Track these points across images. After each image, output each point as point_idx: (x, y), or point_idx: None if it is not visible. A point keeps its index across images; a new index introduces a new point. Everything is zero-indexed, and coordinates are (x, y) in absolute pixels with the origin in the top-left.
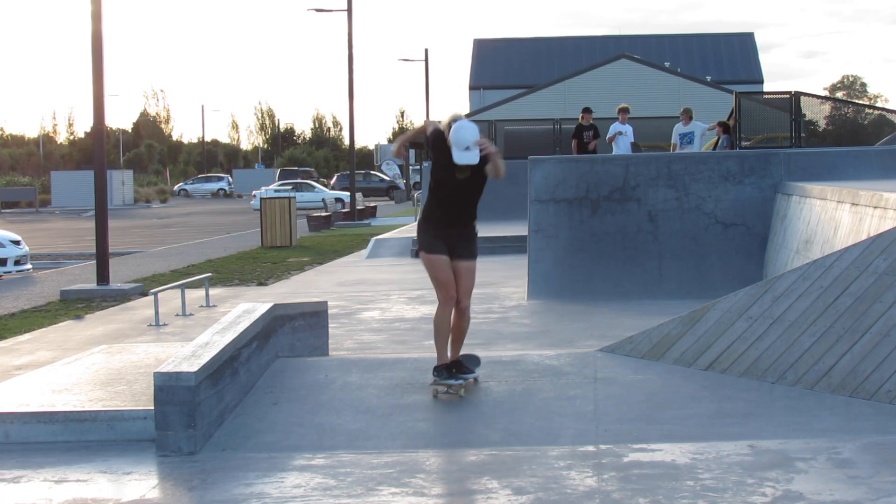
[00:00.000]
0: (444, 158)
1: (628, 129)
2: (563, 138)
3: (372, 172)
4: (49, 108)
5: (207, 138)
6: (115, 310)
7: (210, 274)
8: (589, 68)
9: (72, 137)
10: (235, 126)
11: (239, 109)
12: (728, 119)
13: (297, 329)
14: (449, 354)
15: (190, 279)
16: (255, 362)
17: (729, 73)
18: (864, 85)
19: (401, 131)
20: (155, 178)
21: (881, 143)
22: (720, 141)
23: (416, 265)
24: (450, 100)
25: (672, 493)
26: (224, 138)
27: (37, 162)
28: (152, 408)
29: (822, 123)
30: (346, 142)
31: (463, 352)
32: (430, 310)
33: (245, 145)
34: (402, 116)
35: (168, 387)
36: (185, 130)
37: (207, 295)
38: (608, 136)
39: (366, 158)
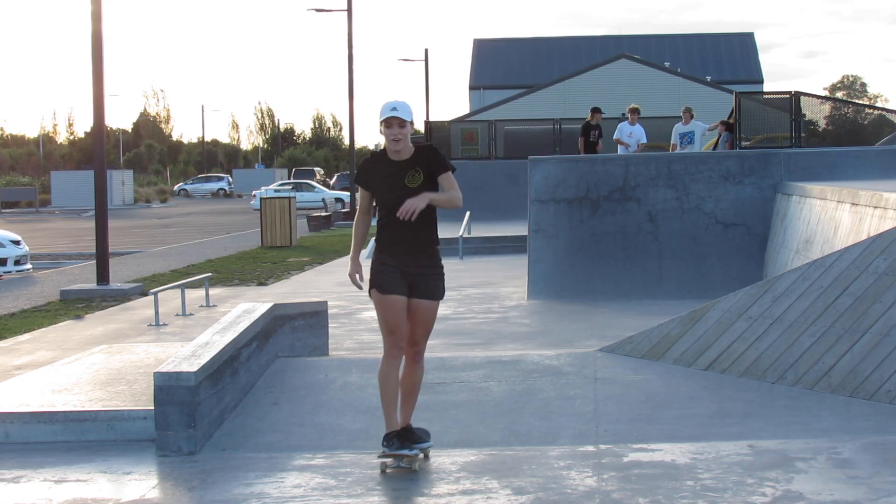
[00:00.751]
0: (380, 167)
1: (638, 129)
2: (564, 138)
3: None
4: (49, 107)
5: (207, 138)
6: (114, 310)
7: (210, 274)
8: (589, 68)
9: (72, 137)
10: (235, 126)
11: (239, 109)
12: (729, 118)
13: (297, 329)
14: (399, 418)
15: (190, 279)
16: (255, 362)
17: (729, 73)
18: (864, 85)
19: None
20: (155, 178)
21: (881, 143)
22: (721, 138)
23: None
24: (450, 100)
25: (672, 493)
26: (224, 138)
27: (37, 162)
28: (152, 408)
29: (822, 123)
30: (346, 142)
31: (462, 353)
32: None
33: (245, 145)
34: None
35: (168, 387)
36: (185, 130)
37: (207, 295)
38: (614, 138)
39: None
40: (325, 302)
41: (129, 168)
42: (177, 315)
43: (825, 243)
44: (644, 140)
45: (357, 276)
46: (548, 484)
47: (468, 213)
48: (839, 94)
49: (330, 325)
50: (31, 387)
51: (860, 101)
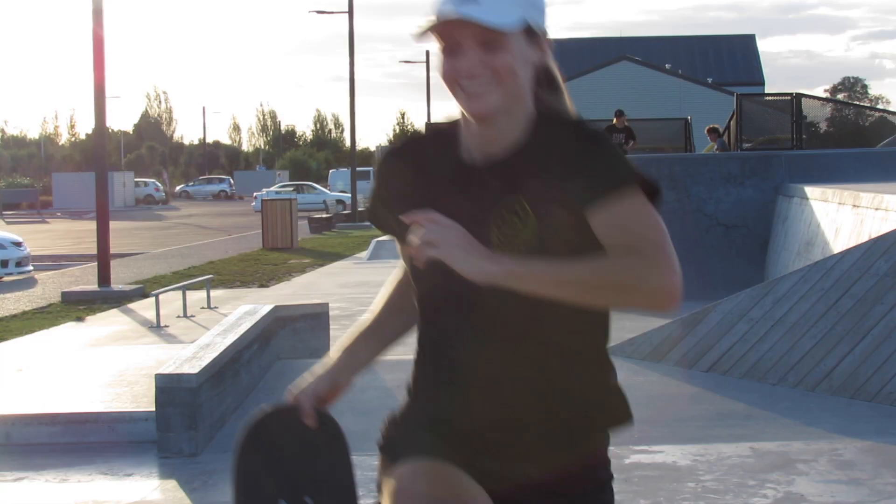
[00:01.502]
0: (423, 175)
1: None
2: None
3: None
4: (51, 109)
5: (209, 140)
6: (116, 311)
7: (211, 276)
8: (590, 70)
9: (73, 139)
10: (237, 127)
11: (240, 111)
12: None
13: (299, 331)
14: None
15: (191, 281)
16: (257, 364)
17: (730, 75)
18: (865, 87)
19: (402, 133)
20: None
21: (882, 145)
22: (714, 147)
23: None
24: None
25: (673, 495)
26: (225, 139)
27: (38, 163)
28: (154, 409)
29: (823, 125)
30: (348, 143)
31: None
32: None
33: (246, 147)
34: (403, 118)
35: (169, 388)
36: (186, 132)
37: (209, 296)
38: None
39: (367, 160)
40: (327, 304)
41: (130, 170)
42: (178, 317)
43: (826, 245)
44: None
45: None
46: None
47: None
48: (840, 96)
49: (331, 327)
50: (33, 388)
51: (861, 103)
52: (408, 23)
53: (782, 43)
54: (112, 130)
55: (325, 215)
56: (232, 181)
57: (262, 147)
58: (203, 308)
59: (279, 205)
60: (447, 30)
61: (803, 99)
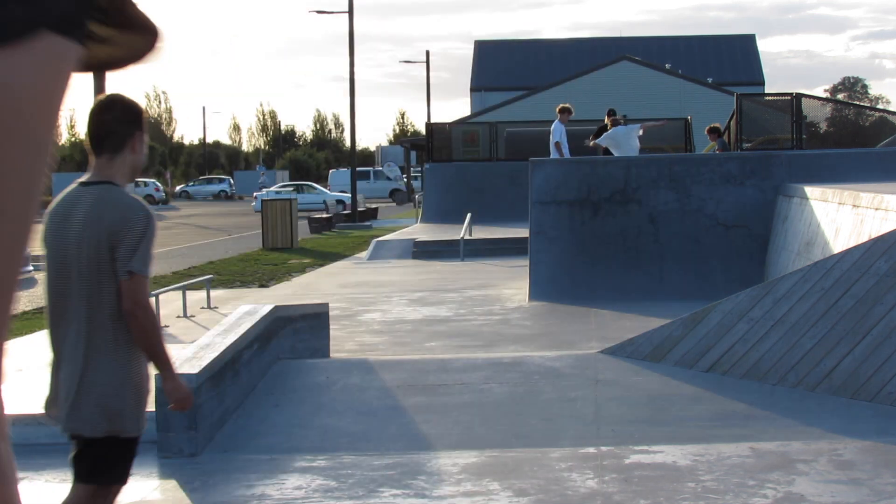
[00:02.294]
0: None
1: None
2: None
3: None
4: None
5: (209, 140)
6: None
7: (211, 276)
8: (590, 70)
9: (73, 139)
10: (237, 127)
11: (240, 111)
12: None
13: (299, 331)
14: None
15: (191, 281)
16: (257, 364)
17: (730, 74)
18: (865, 87)
19: (402, 133)
20: (157, 179)
21: (882, 145)
22: (715, 147)
23: (417, 267)
24: (451, 101)
25: (673, 495)
26: (225, 139)
27: None
28: (154, 409)
29: (823, 125)
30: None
31: (464, 355)
32: (432, 311)
33: (246, 147)
34: (403, 118)
35: None
36: (186, 132)
37: (209, 297)
38: (554, 142)
39: (367, 160)
40: (327, 304)
41: None
42: (178, 317)
43: (826, 245)
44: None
45: None
46: (549, 485)
47: (469, 215)
48: (840, 96)
49: (331, 327)
50: (33, 388)
51: (861, 103)
52: (408, 23)
53: (782, 43)
54: None
55: (325, 215)
56: (232, 181)
57: (262, 147)
58: (203, 308)
59: (279, 205)
60: None
61: (803, 99)
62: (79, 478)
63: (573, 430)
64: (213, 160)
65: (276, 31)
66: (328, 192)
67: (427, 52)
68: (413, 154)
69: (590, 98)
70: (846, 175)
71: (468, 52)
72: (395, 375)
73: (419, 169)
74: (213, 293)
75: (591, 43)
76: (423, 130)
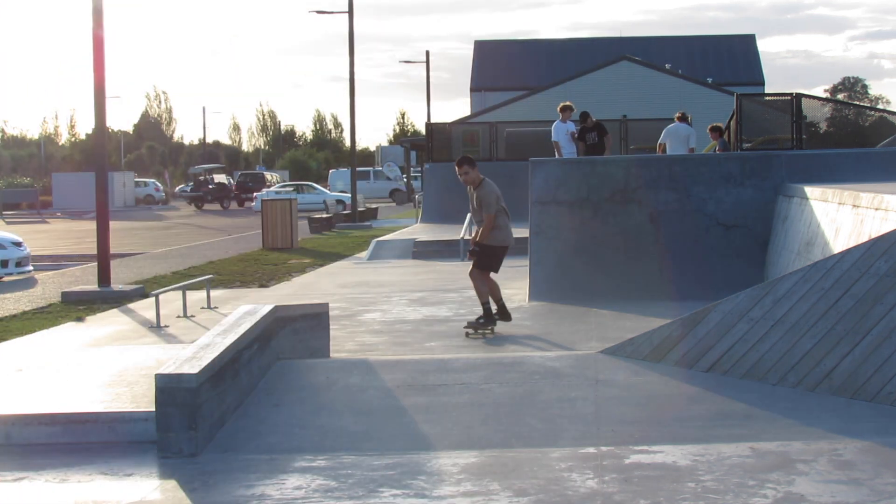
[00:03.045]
0: None
1: (571, 126)
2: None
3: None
4: (51, 109)
5: (209, 140)
6: (116, 311)
7: (211, 276)
8: (590, 70)
9: (73, 139)
10: (237, 127)
11: (240, 111)
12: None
13: (299, 331)
14: None
15: (191, 281)
16: (257, 364)
17: (730, 74)
18: (865, 87)
19: (402, 133)
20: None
21: (882, 145)
22: (718, 144)
23: (417, 267)
24: (451, 101)
25: (673, 495)
26: (225, 139)
27: (38, 163)
28: (153, 409)
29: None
30: (348, 143)
31: (464, 355)
32: (432, 311)
33: (246, 147)
34: (403, 118)
35: (169, 388)
36: (186, 132)
37: (209, 297)
38: (553, 140)
39: (367, 160)
40: (327, 304)
41: (130, 170)
42: (178, 317)
43: (826, 245)
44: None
45: None
46: (549, 486)
47: (469, 215)
48: (840, 96)
49: (331, 327)
50: (33, 389)
51: (861, 103)
52: (407, 23)
53: (780, 43)
54: (112, 130)
55: (325, 215)
56: (232, 181)
57: (262, 147)
58: (203, 308)
59: (279, 205)
60: None
61: (803, 99)
62: None
63: (573, 430)
64: (213, 160)
65: (275, 31)
66: (328, 192)
67: (427, 53)
68: (413, 154)
69: (590, 98)
70: (846, 175)
71: (468, 52)
72: (395, 375)
73: (419, 169)
74: (213, 293)
75: (590, 43)
76: (423, 130)
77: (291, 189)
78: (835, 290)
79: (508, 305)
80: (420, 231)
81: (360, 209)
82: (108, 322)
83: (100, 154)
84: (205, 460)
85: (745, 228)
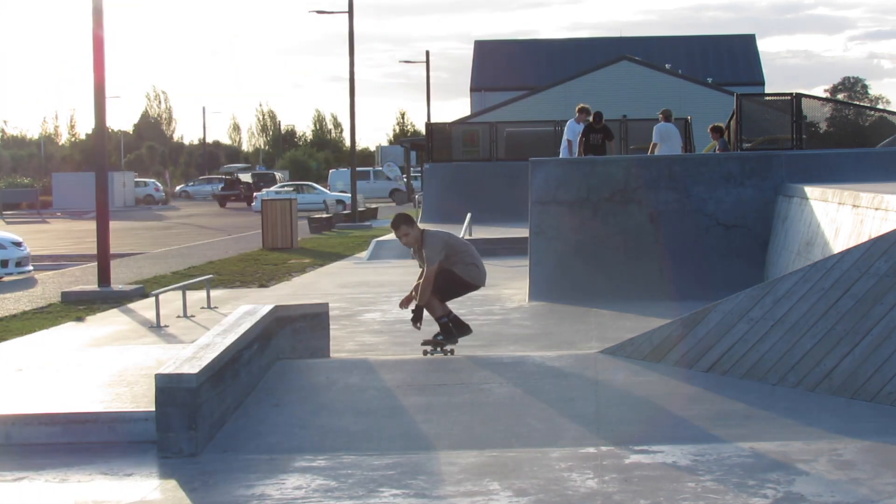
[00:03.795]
0: None
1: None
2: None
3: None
4: (51, 109)
5: (209, 140)
6: (116, 311)
7: (211, 276)
8: (590, 70)
9: (73, 139)
10: (237, 127)
11: (240, 111)
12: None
13: (299, 331)
14: None
15: (191, 281)
16: (257, 364)
17: (730, 74)
18: (865, 87)
19: (402, 133)
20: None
21: (882, 145)
22: (718, 145)
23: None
24: (451, 101)
25: (673, 495)
26: (225, 139)
27: (38, 163)
28: (153, 409)
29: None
30: (348, 143)
31: (464, 354)
32: None
33: (246, 147)
34: (403, 118)
35: (169, 388)
36: (185, 131)
37: (209, 297)
38: (566, 138)
39: (367, 160)
40: (327, 304)
41: (130, 170)
42: (178, 317)
43: (826, 245)
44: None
45: None
46: (549, 485)
47: (469, 215)
48: (840, 96)
49: (331, 327)
50: (33, 388)
51: (861, 103)
52: (407, 23)
53: (780, 43)
54: (112, 130)
55: (325, 215)
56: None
57: (262, 147)
58: (203, 308)
59: (279, 205)
60: None
61: (803, 99)
62: None
63: (573, 429)
64: (213, 160)
65: (275, 31)
66: (328, 192)
67: (427, 53)
68: (413, 154)
69: (590, 98)
70: (846, 175)
71: (468, 52)
72: (395, 375)
73: (419, 169)
74: (213, 293)
75: (590, 43)
76: (423, 130)
77: (291, 189)
78: (835, 290)
79: (508, 305)
80: None
81: (360, 209)
82: (108, 322)
83: (100, 154)
84: (205, 460)
85: (745, 228)
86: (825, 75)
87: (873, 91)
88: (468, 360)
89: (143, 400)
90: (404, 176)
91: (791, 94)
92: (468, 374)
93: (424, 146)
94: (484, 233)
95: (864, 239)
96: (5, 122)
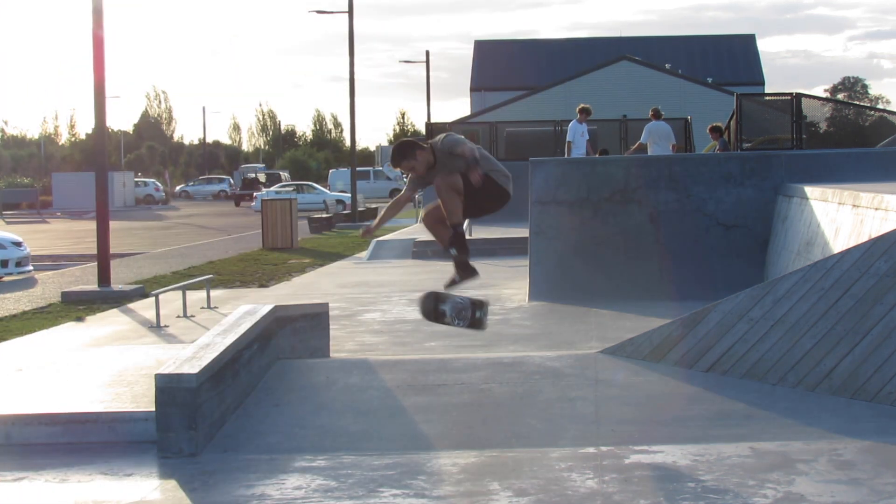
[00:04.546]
0: None
1: (585, 128)
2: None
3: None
4: (51, 109)
5: (209, 139)
6: (116, 311)
7: (211, 275)
8: (590, 70)
9: (73, 139)
10: (237, 127)
11: (240, 111)
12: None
13: (299, 331)
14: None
15: (191, 281)
16: (257, 364)
17: (730, 74)
18: (865, 87)
19: (402, 133)
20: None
21: (882, 145)
22: (716, 146)
23: (417, 267)
24: (451, 101)
25: (673, 495)
26: (225, 139)
27: (38, 163)
28: (153, 409)
29: (823, 125)
30: (347, 143)
31: (463, 354)
32: None
33: (246, 147)
34: (403, 118)
35: (169, 388)
36: (185, 131)
37: (209, 296)
38: (568, 139)
39: (367, 160)
40: (327, 304)
41: (130, 170)
42: (178, 317)
43: (826, 245)
44: (587, 137)
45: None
46: (549, 485)
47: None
48: (840, 96)
49: (331, 327)
50: (33, 389)
51: (861, 103)
52: (407, 23)
53: (780, 43)
54: (112, 130)
55: (325, 215)
56: (232, 181)
57: (262, 147)
58: (203, 308)
59: (279, 205)
60: None
61: (803, 99)
62: None
63: (573, 430)
64: (212, 160)
65: (275, 31)
66: (328, 191)
67: (427, 53)
68: None
69: (590, 98)
70: (846, 175)
71: (468, 52)
72: (395, 375)
73: None
74: (213, 293)
75: (590, 43)
76: (423, 130)
77: (291, 189)
78: (835, 290)
79: (508, 305)
80: (420, 231)
81: (360, 209)
82: (108, 322)
83: (100, 154)
84: (205, 460)
85: (745, 228)
86: (825, 75)
87: (873, 91)
88: (468, 360)
89: (143, 400)
90: (404, 176)
91: (791, 94)
92: (468, 374)
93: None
94: (484, 233)
95: (864, 239)
96: (5, 122)
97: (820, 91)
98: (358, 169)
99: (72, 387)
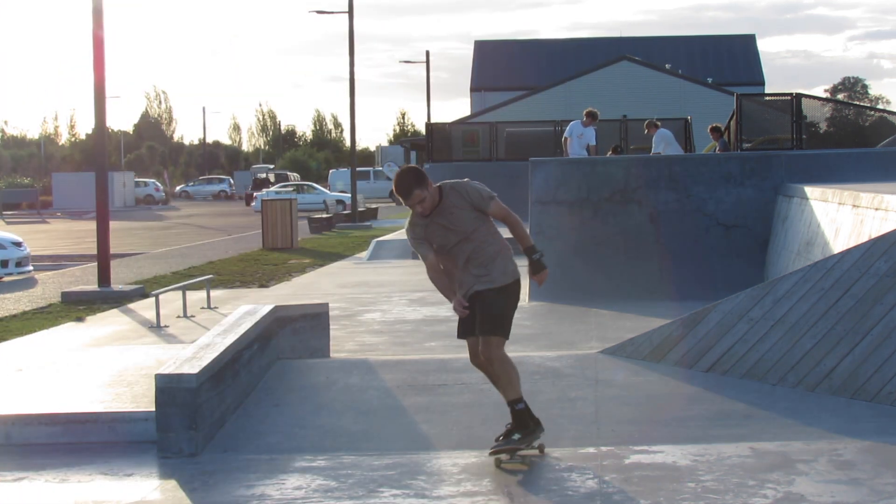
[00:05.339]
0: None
1: (590, 132)
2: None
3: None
4: (51, 109)
5: (208, 140)
6: (116, 311)
7: (211, 276)
8: (590, 70)
9: (73, 139)
10: (237, 127)
11: (240, 111)
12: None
13: (299, 331)
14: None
15: (191, 281)
16: (257, 364)
17: (730, 74)
18: (865, 87)
19: (402, 133)
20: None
21: (882, 145)
22: (716, 146)
23: (417, 267)
24: (451, 101)
25: (673, 495)
26: (225, 140)
27: (38, 163)
28: (153, 409)
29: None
30: (348, 143)
31: (464, 355)
32: (432, 311)
33: (246, 147)
34: (403, 118)
35: (169, 388)
36: (185, 132)
37: (209, 297)
38: (564, 136)
39: (367, 160)
40: (327, 304)
41: (130, 170)
42: (178, 317)
43: (826, 245)
44: (593, 142)
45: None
46: (549, 486)
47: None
48: (840, 96)
49: (331, 327)
50: (33, 389)
51: (861, 103)
52: (407, 23)
53: (780, 43)
54: (112, 130)
55: (325, 215)
56: (232, 181)
57: (262, 147)
58: (203, 308)
59: (279, 205)
60: None
61: (803, 99)
62: None
63: (573, 430)
64: (213, 160)
65: (275, 31)
66: (328, 192)
67: (427, 53)
68: (413, 154)
69: (590, 98)
70: (846, 175)
71: (468, 52)
72: (395, 375)
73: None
74: (213, 293)
75: (590, 43)
76: (423, 130)
77: (291, 189)
78: (835, 290)
79: None
80: None
81: (360, 209)
82: (108, 322)
83: (100, 154)
84: (205, 460)
85: (745, 228)
86: (825, 75)
87: (873, 91)
88: (468, 360)
89: (143, 400)
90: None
91: (791, 94)
92: (468, 374)
93: (424, 146)
94: None
95: (864, 239)
96: (5, 122)
97: (820, 91)
98: (358, 169)
99: (72, 387)
